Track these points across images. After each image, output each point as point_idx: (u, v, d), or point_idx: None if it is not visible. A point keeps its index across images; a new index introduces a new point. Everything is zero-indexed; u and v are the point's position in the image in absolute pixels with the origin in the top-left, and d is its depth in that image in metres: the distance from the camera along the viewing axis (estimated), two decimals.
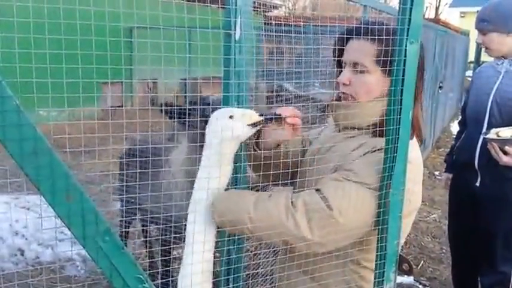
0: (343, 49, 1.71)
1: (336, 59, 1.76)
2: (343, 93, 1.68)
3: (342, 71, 1.71)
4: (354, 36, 1.67)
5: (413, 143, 1.61)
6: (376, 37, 1.56)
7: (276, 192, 1.50)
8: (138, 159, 3.12)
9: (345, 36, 1.69)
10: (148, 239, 4.05)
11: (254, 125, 1.50)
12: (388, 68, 1.53)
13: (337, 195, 1.43)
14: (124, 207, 4.03)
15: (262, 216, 1.42)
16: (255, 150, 1.67)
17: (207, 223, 1.46)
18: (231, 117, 1.46)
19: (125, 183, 3.59)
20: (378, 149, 1.55)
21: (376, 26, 1.57)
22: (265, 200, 1.45)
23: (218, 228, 1.50)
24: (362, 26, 1.66)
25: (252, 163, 1.71)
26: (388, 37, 1.52)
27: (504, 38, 2.93)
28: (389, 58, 1.51)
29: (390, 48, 1.50)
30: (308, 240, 1.41)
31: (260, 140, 1.67)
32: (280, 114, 1.55)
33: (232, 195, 1.49)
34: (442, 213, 6.25)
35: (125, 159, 3.78)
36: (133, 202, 3.58)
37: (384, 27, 1.57)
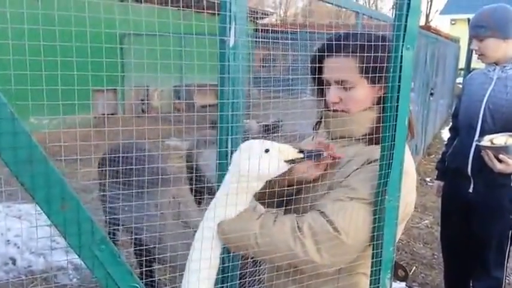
0: (321, 67, 1.67)
1: (316, 76, 1.70)
2: (335, 110, 1.66)
3: (323, 89, 1.69)
4: (332, 53, 1.63)
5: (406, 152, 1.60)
6: (350, 50, 1.54)
7: (281, 217, 1.48)
8: (108, 168, 3.11)
9: (318, 54, 1.67)
10: (141, 248, 4.02)
11: (291, 161, 1.43)
12: (371, 75, 1.54)
13: (341, 217, 1.43)
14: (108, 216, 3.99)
15: (269, 242, 1.41)
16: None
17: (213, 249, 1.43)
18: (266, 151, 1.38)
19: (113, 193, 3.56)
20: (375, 160, 1.54)
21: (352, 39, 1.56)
22: (271, 225, 1.43)
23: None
24: (334, 41, 1.62)
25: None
26: (364, 47, 1.52)
27: (500, 44, 2.95)
28: (371, 65, 1.52)
29: (367, 56, 1.51)
30: (317, 263, 1.42)
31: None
32: (322, 152, 1.49)
33: (238, 219, 1.45)
34: (433, 219, 6.27)
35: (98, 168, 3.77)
36: (114, 212, 3.55)
37: (358, 35, 1.58)
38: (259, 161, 1.35)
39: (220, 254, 1.47)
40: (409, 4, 1.35)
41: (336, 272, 1.58)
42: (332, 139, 1.71)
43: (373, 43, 1.53)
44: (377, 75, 1.52)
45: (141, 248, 3.35)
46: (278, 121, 3.20)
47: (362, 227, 1.46)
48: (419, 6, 1.36)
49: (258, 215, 1.47)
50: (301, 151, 1.44)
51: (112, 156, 3.46)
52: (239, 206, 1.41)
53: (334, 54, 1.62)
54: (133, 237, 3.28)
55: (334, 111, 1.66)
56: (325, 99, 1.69)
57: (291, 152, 1.42)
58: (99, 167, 3.97)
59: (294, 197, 1.68)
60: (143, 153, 3.44)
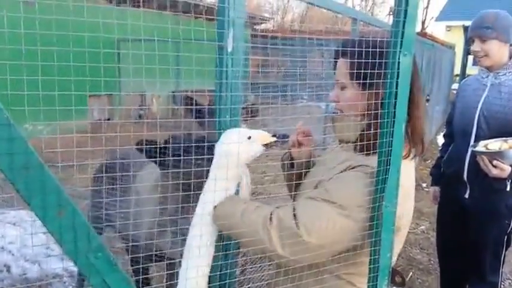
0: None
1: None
2: (336, 108, 1.75)
3: None
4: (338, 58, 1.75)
5: (405, 164, 1.59)
6: (348, 53, 1.64)
7: (263, 205, 1.54)
8: (107, 174, 3.08)
9: (332, 60, 1.80)
10: (135, 256, 3.98)
11: (267, 145, 1.56)
12: (359, 81, 1.59)
13: (307, 214, 1.46)
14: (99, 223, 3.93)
15: (245, 226, 1.46)
16: (290, 168, 1.88)
17: (209, 236, 1.50)
18: (249, 137, 1.50)
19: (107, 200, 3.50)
20: (358, 166, 1.56)
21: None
22: (251, 210, 1.49)
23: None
24: (340, 47, 1.74)
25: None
26: (361, 51, 1.54)
27: (501, 47, 2.98)
28: (360, 71, 1.56)
29: (363, 62, 1.53)
30: (281, 255, 1.45)
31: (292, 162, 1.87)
32: (287, 135, 1.69)
33: (229, 201, 1.53)
34: (429, 224, 6.27)
35: (95, 175, 3.73)
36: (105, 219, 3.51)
37: (357, 41, 1.62)
38: (244, 147, 1.50)
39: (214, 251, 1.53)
40: (406, 11, 1.36)
41: (319, 278, 1.59)
42: (339, 142, 1.81)
43: (364, 49, 1.55)
44: (363, 81, 1.57)
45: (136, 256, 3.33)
46: (254, 104, 3.19)
47: (327, 228, 1.46)
48: (417, 13, 1.36)
49: (243, 202, 1.53)
50: (274, 135, 1.59)
51: (110, 166, 3.43)
52: (228, 190, 1.53)
53: (338, 58, 1.75)
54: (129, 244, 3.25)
55: (336, 109, 1.76)
56: None
57: (267, 137, 1.56)
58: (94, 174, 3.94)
59: (279, 195, 1.76)
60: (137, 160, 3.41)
